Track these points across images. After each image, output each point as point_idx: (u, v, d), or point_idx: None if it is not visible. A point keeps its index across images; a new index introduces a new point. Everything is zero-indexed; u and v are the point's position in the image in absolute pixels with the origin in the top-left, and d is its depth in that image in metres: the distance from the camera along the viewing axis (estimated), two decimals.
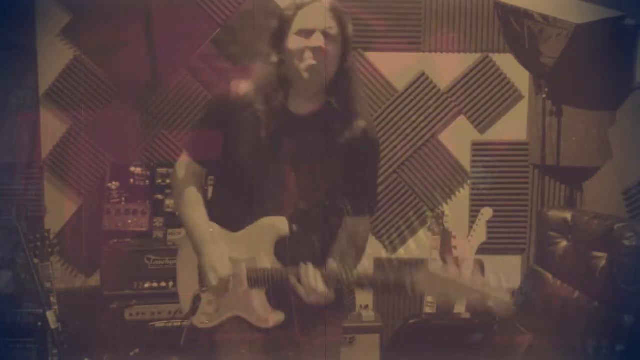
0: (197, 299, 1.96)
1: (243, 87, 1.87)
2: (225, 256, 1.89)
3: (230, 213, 1.92)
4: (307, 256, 1.82)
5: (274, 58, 1.83)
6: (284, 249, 1.85)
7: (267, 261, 1.86)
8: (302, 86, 1.82)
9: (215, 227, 1.93)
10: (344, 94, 1.85)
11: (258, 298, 1.88)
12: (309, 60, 1.76)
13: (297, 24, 1.79)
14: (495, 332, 2.78)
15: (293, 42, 1.78)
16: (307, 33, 1.77)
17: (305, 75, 1.77)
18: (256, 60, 1.90)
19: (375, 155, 2.06)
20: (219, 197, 2.01)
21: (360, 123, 1.88)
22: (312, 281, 1.75)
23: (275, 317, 1.88)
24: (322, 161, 1.86)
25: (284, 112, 1.84)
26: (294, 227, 1.84)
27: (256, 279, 1.86)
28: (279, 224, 1.84)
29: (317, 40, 1.75)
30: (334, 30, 1.78)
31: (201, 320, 1.96)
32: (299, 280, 1.77)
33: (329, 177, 1.88)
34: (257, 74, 1.88)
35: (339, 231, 1.92)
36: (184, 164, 2.00)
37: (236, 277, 1.88)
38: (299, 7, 1.79)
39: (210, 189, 2.08)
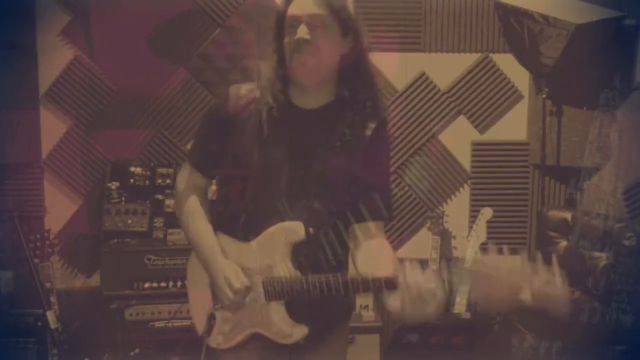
0: (212, 318, 1.79)
1: (244, 88, 1.76)
2: (238, 267, 1.73)
3: (238, 221, 1.75)
4: (326, 262, 1.69)
5: (274, 55, 1.70)
6: (301, 256, 1.69)
7: (284, 269, 1.68)
8: (297, 82, 1.67)
9: (223, 238, 1.79)
10: (356, 84, 1.70)
11: (277, 311, 1.71)
12: (295, 55, 1.60)
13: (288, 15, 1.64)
14: (495, 332, 2.78)
15: (285, 36, 1.64)
16: (293, 24, 1.61)
17: (294, 71, 1.63)
18: (261, 60, 1.84)
19: (389, 150, 1.90)
20: (224, 205, 1.83)
21: (381, 115, 1.73)
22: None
23: (298, 331, 1.71)
24: (335, 158, 1.68)
25: (289, 108, 1.69)
26: (311, 230, 1.67)
27: (273, 291, 1.69)
28: (294, 227, 1.67)
29: (301, 32, 1.58)
30: (318, 19, 1.60)
31: (218, 341, 1.79)
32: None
33: (341, 176, 1.70)
34: (261, 73, 1.77)
35: (352, 246, 1.73)
36: (184, 175, 1.88)
37: (251, 290, 1.72)
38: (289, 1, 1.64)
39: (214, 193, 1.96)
